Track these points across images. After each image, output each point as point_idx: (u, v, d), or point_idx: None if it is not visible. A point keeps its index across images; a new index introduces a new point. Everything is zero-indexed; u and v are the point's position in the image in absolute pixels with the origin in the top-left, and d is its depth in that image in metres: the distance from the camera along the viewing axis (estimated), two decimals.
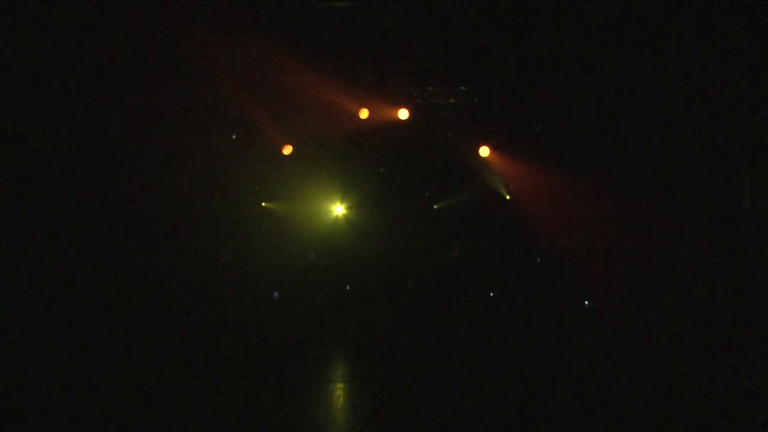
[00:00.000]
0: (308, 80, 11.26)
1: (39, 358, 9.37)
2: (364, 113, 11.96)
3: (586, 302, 12.40)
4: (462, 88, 11.79)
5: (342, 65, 11.07)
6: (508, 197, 13.25)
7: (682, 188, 10.88)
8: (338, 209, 13.64)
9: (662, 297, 11.30)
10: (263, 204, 13.53)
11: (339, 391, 8.51)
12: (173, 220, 12.23)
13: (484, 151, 12.60)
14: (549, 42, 10.19)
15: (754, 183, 10.01)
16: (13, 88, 9.57)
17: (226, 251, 12.79)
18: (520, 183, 13.07)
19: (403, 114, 12.00)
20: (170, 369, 9.38)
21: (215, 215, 12.64)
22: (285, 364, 10.05)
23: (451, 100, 12.18)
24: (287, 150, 12.57)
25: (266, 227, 13.32)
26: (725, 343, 9.95)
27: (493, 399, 7.93)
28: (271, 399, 7.82)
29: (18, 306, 9.98)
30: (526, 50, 10.54)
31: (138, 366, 9.44)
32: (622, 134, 11.27)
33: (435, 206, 13.66)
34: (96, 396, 7.68)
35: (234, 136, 12.35)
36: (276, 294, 13.21)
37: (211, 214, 12.61)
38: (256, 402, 7.67)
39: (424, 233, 13.41)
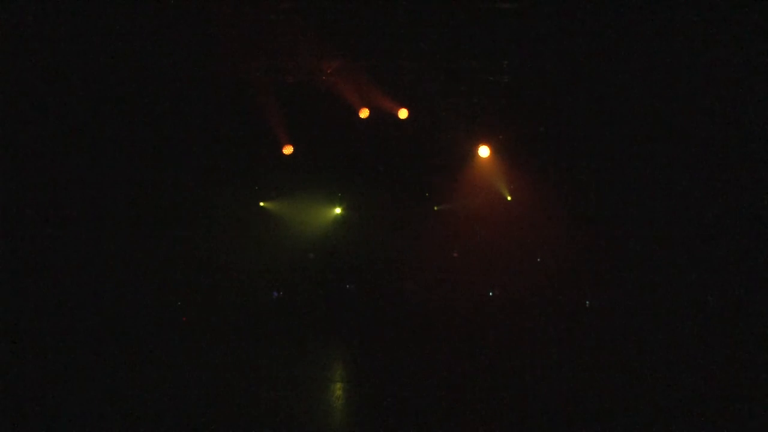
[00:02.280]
0: (309, 80, 11.27)
1: (38, 356, 9.39)
2: (364, 113, 11.97)
3: (587, 302, 12.41)
4: (462, 88, 11.79)
5: (343, 64, 11.07)
6: (509, 197, 13.24)
7: (685, 188, 10.90)
8: (338, 209, 13.65)
9: (664, 298, 11.32)
10: (261, 204, 13.53)
11: (339, 391, 8.50)
12: (173, 221, 12.24)
13: (484, 152, 12.58)
14: (550, 42, 10.20)
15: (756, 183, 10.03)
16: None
17: (226, 251, 12.78)
18: (521, 183, 13.06)
19: (403, 114, 12.00)
20: (169, 369, 9.37)
21: (215, 215, 12.65)
22: (285, 363, 10.03)
23: (451, 100, 12.18)
24: (287, 150, 12.56)
25: (266, 227, 13.32)
26: (726, 342, 9.96)
27: (493, 398, 7.92)
28: (271, 399, 7.80)
29: (19, 304, 10.01)
30: (527, 51, 10.56)
31: (137, 366, 9.44)
32: (624, 133, 11.28)
33: (435, 208, 13.66)
34: (97, 395, 7.67)
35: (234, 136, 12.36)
36: (276, 293, 13.21)
37: (212, 214, 12.61)
38: (255, 402, 7.66)
39: (423, 233, 13.41)
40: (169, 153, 11.76)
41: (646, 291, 11.53)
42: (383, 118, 12.03)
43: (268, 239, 13.16)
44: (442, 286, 13.13)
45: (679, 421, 6.88)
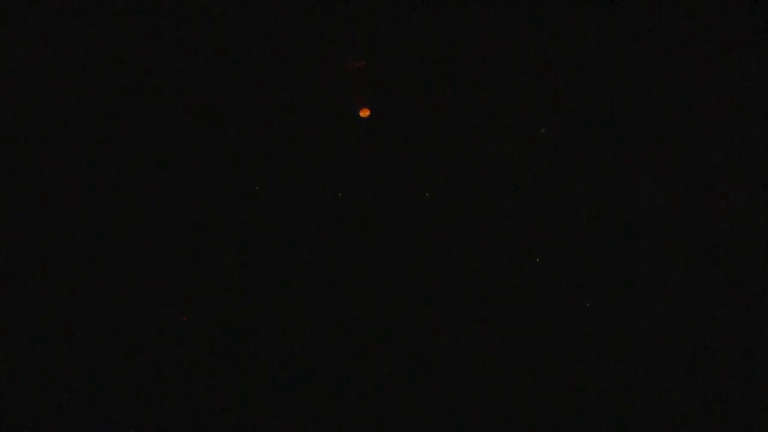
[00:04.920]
0: (310, 79, 11.32)
1: (37, 357, 9.40)
2: (364, 113, 12.00)
3: (587, 303, 12.41)
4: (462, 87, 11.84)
5: (344, 64, 11.13)
6: (510, 193, 13.26)
7: (687, 187, 10.92)
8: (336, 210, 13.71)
9: (665, 298, 11.33)
10: (259, 202, 13.57)
11: (338, 390, 8.53)
12: (172, 220, 12.27)
13: None
14: (550, 42, 10.26)
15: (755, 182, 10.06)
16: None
17: (225, 250, 12.81)
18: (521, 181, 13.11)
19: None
20: (168, 369, 9.39)
21: (214, 214, 12.68)
22: (284, 364, 10.06)
23: (451, 99, 12.22)
24: (287, 150, 12.60)
25: (265, 226, 13.36)
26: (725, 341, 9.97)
27: (493, 398, 7.96)
28: (270, 399, 7.84)
29: (16, 304, 10.01)
30: (528, 49, 10.61)
31: (136, 366, 9.46)
32: (626, 133, 11.32)
33: (435, 210, 13.71)
34: (95, 395, 7.71)
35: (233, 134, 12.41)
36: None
37: (210, 213, 12.64)
38: (254, 402, 7.69)
39: (423, 233, 13.45)
40: (167, 151, 11.79)
41: (647, 291, 11.55)
42: (383, 117, 12.07)
43: (267, 238, 13.21)
44: (442, 285, 13.16)
45: (679, 422, 6.92)
